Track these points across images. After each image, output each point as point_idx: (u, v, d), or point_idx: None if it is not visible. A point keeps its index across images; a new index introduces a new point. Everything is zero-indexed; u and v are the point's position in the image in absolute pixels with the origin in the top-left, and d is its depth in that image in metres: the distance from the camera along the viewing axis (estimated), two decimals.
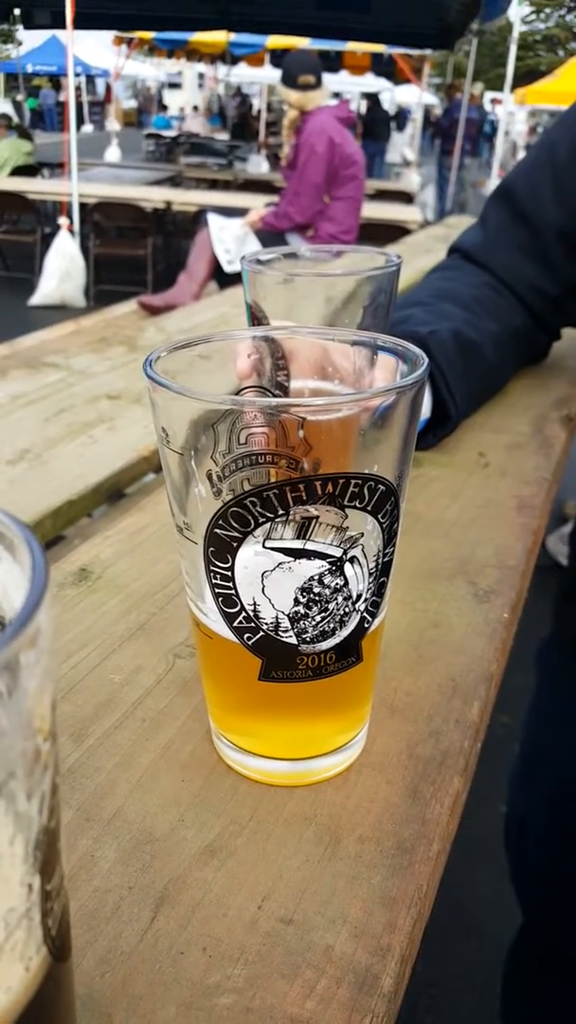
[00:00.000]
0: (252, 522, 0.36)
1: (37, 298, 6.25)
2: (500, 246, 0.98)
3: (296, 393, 0.46)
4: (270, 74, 14.17)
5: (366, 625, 0.40)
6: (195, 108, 18.80)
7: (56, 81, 23.06)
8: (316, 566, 0.37)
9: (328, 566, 0.37)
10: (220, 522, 0.36)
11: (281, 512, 0.35)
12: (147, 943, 0.35)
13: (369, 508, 0.37)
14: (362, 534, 0.37)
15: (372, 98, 15.30)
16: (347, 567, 0.37)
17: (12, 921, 0.19)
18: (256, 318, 0.60)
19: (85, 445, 1.29)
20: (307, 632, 0.38)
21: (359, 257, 0.67)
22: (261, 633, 0.38)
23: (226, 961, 0.34)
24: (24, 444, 1.28)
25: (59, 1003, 0.23)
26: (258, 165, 9.87)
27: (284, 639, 0.38)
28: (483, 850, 1.49)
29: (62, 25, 6.13)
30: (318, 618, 0.38)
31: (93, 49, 17.12)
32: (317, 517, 0.36)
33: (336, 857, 0.39)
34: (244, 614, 0.38)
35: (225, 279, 4.18)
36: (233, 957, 0.34)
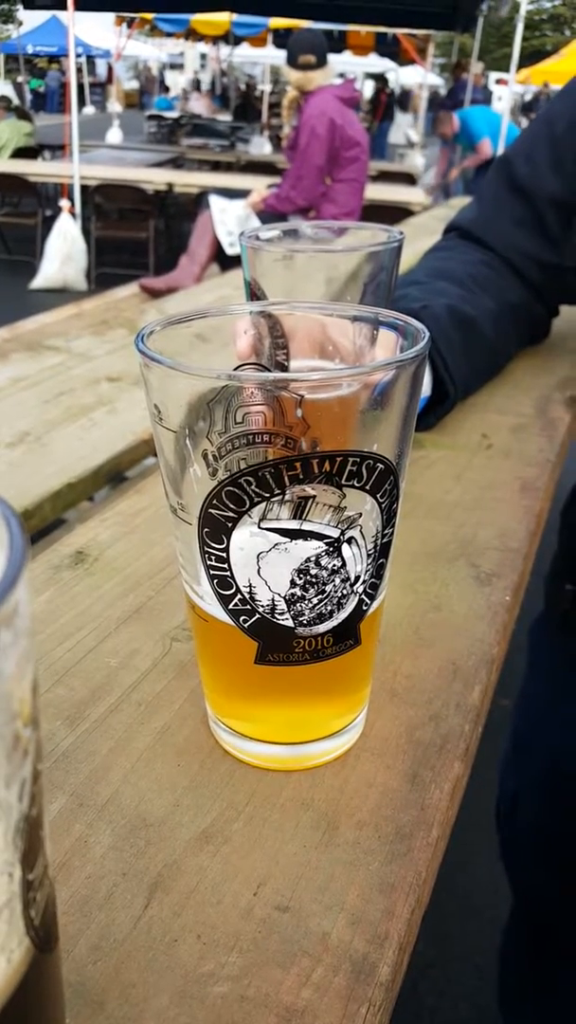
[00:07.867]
0: (247, 502, 0.35)
1: (38, 281, 6.21)
2: (496, 219, 0.97)
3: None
4: (273, 54, 14.03)
5: (364, 608, 0.39)
6: (196, 86, 18.61)
7: (60, 63, 22.84)
8: (313, 547, 0.36)
9: (325, 547, 0.36)
10: (215, 502, 0.35)
11: (277, 491, 0.34)
12: (140, 930, 0.34)
13: (368, 487, 0.36)
14: (360, 514, 0.36)
15: (381, 79, 15.16)
16: (345, 548, 0.37)
17: None
18: (255, 296, 0.59)
19: (85, 428, 1.28)
20: (304, 615, 0.37)
21: (361, 234, 0.65)
22: (257, 616, 0.37)
23: (221, 949, 0.34)
24: (24, 427, 1.27)
25: (44, 994, 0.23)
26: (261, 146, 9.76)
27: (280, 622, 0.37)
28: (480, 832, 1.49)
29: (63, 6, 6.06)
30: (315, 600, 0.37)
31: (94, 29, 16.98)
32: (314, 497, 0.35)
33: (333, 843, 0.38)
34: (240, 596, 0.37)
35: (227, 261, 4.16)
36: (228, 945, 0.34)
